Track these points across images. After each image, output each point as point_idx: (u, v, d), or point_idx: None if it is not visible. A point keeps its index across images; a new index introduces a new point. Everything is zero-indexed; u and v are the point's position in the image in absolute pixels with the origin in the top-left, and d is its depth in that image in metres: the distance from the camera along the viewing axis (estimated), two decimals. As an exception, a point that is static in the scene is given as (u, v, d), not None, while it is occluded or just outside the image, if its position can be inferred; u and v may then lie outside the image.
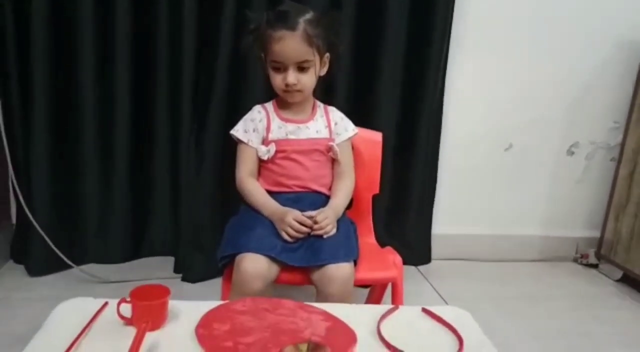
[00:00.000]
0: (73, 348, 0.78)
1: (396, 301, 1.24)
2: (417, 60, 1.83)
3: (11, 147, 1.61)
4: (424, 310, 0.98)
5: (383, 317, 0.94)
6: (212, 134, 1.72)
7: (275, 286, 1.17)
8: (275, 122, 1.29)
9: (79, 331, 0.82)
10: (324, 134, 1.32)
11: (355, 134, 1.37)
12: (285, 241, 1.15)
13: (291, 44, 1.18)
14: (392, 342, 0.85)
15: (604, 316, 1.75)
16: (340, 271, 1.11)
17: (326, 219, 1.16)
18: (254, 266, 1.10)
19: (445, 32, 1.83)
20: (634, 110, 1.92)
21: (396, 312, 0.97)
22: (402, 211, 1.99)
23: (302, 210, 1.19)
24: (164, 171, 1.85)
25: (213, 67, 1.67)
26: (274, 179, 1.28)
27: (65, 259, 1.63)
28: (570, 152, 2.10)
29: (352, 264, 1.15)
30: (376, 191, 1.45)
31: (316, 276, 1.12)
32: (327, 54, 1.28)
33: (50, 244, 1.60)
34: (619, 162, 1.99)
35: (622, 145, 1.98)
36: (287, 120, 1.30)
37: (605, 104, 2.05)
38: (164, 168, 1.84)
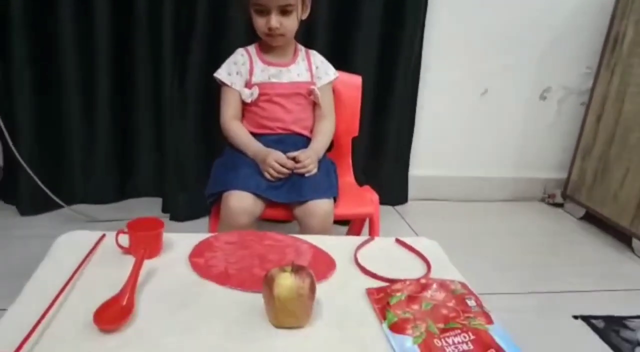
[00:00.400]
0: (76, 276, 0.85)
1: (373, 234, 1.33)
2: (396, 6, 1.85)
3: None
4: (397, 240, 1.08)
5: (360, 246, 1.03)
6: (194, 75, 1.74)
7: (260, 222, 1.25)
8: (258, 65, 1.32)
9: (80, 261, 0.89)
10: (306, 77, 1.36)
11: (336, 78, 1.41)
12: (269, 180, 1.22)
13: None
14: (367, 268, 0.94)
15: (563, 250, 1.90)
16: (320, 206, 1.19)
17: (308, 159, 1.23)
18: (241, 202, 1.17)
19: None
20: (605, 56, 1.99)
21: (372, 243, 1.06)
22: (381, 153, 2.06)
23: (284, 151, 1.25)
24: (148, 113, 1.87)
25: (194, 8, 1.67)
26: (257, 122, 1.33)
27: (55, 198, 1.69)
28: (543, 97, 2.17)
29: (331, 200, 1.23)
30: (355, 133, 1.51)
31: (298, 211, 1.20)
32: None
33: (40, 184, 1.64)
34: (588, 106, 2.08)
35: (592, 90, 2.06)
36: (269, 64, 1.33)
37: (578, 49, 2.11)
38: (148, 110, 1.86)
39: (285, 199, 1.21)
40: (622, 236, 1.95)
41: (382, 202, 1.41)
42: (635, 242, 1.86)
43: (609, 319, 1.44)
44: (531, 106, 2.18)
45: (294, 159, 1.23)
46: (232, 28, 1.71)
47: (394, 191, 2.13)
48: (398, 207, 2.15)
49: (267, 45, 1.33)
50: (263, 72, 1.32)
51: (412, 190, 2.17)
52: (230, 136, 1.33)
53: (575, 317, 1.44)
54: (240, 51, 1.36)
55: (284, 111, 1.32)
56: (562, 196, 2.23)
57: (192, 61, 1.73)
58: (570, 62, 2.13)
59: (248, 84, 1.32)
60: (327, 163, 1.34)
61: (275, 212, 1.23)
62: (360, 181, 1.56)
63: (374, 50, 1.90)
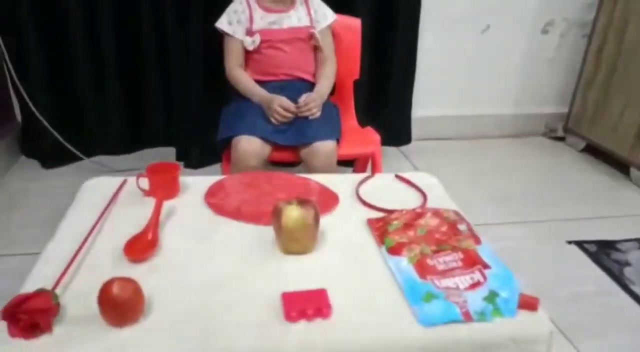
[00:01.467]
0: (104, 216, 0.94)
1: (375, 172, 1.41)
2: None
3: (8, 47, 1.65)
4: (397, 176, 1.15)
5: (361, 182, 1.10)
6: (197, 27, 1.76)
7: (268, 165, 1.33)
8: (257, 12, 1.36)
9: (106, 204, 0.98)
10: (305, 22, 1.39)
11: (335, 21, 1.44)
12: (274, 125, 1.29)
13: None
14: (368, 201, 1.02)
15: (562, 181, 1.97)
16: (324, 147, 1.26)
17: (312, 102, 1.29)
18: (249, 145, 1.25)
19: None
20: (608, -14, 1.97)
21: (373, 179, 1.14)
22: (383, 94, 2.09)
23: (289, 96, 1.31)
24: (154, 66, 1.90)
25: None
26: (261, 69, 1.39)
27: (74, 151, 1.77)
28: (545, 31, 2.17)
29: (334, 141, 1.30)
30: (356, 76, 1.56)
31: (304, 152, 1.28)
32: None
33: (59, 138, 1.73)
34: (590, 38, 2.07)
35: (594, 21, 2.05)
36: (268, 10, 1.36)
37: (581, -20, 2.08)
38: (154, 63, 1.89)
39: (290, 141, 1.28)
40: (621, 166, 2.00)
41: (386, 143, 1.47)
42: (633, 171, 1.92)
43: (601, 243, 1.53)
44: (533, 41, 2.18)
45: (297, 104, 1.29)
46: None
47: (397, 131, 2.17)
48: (402, 148, 2.20)
49: None
50: (263, 19, 1.36)
51: (416, 130, 2.20)
52: (235, 83, 1.39)
53: (569, 242, 1.53)
54: (241, 1, 1.38)
55: (286, 57, 1.37)
56: (563, 129, 2.27)
57: (193, 11, 1.75)
58: (572, -7, 2.11)
59: (249, 32, 1.36)
60: (330, 107, 1.39)
61: (282, 154, 1.31)
62: (364, 123, 1.61)
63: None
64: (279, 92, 1.32)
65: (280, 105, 1.27)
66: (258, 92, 1.33)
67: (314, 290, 0.75)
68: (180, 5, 1.75)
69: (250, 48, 1.36)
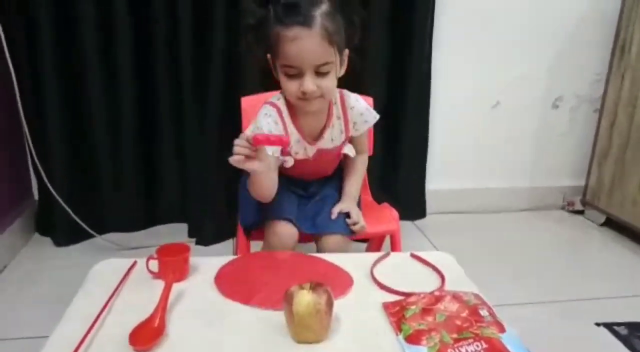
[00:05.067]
0: (111, 301, 0.91)
1: (395, 251, 1.36)
2: (403, 21, 1.89)
3: (29, 126, 1.70)
4: (412, 255, 1.12)
5: (376, 262, 1.07)
6: (213, 97, 1.81)
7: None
8: (294, 135, 1.16)
9: (114, 287, 0.95)
10: (339, 140, 1.22)
11: (376, 120, 1.27)
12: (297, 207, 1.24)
13: (308, 44, 1.00)
14: (384, 283, 0.98)
15: (584, 257, 1.91)
16: (336, 240, 1.22)
17: (355, 216, 1.22)
18: (286, 229, 1.17)
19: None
20: (614, 62, 2.01)
21: (388, 258, 1.10)
22: (397, 169, 2.10)
23: (307, 186, 1.29)
24: (170, 144, 1.95)
25: (211, 37, 1.75)
26: (280, 171, 1.24)
27: (87, 229, 1.78)
28: (555, 106, 2.20)
29: (344, 236, 1.24)
30: (370, 152, 1.56)
31: (318, 243, 1.24)
32: (346, 51, 1.10)
33: (73, 215, 1.74)
34: (601, 113, 2.09)
35: (604, 97, 2.07)
36: (304, 136, 1.19)
37: (587, 57, 2.13)
38: (169, 140, 1.94)
39: (311, 230, 1.23)
40: (644, 241, 1.94)
41: (401, 217, 1.44)
42: (658, 246, 1.85)
43: (632, 325, 1.44)
44: (544, 115, 2.20)
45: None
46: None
47: (412, 206, 2.16)
48: (417, 222, 2.18)
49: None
50: (298, 143, 1.18)
51: (430, 204, 2.19)
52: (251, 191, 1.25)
53: (598, 324, 1.45)
54: (272, 115, 1.13)
55: (310, 169, 1.28)
56: (581, 202, 2.23)
57: (211, 90, 1.81)
58: (580, 70, 2.15)
59: (283, 151, 1.15)
60: None
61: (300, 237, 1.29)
62: (378, 198, 1.60)
63: (383, 67, 1.95)
64: (298, 182, 1.29)
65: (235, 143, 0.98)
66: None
67: (328, 384, 0.70)
68: (199, 84, 1.81)
69: (287, 165, 1.21)
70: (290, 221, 1.20)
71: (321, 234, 1.23)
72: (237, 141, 0.96)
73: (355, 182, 1.30)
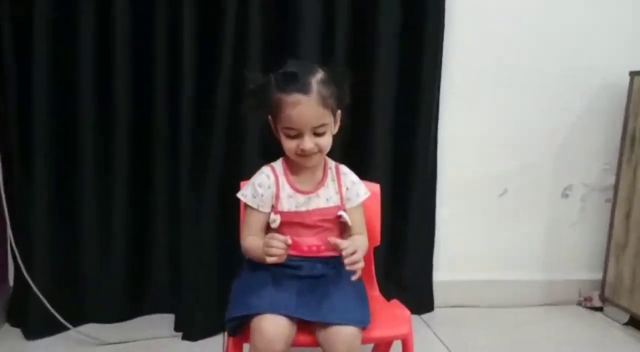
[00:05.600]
0: None
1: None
2: (409, 109, 1.87)
3: (10, 210, 1.60)
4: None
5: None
6: (212, 187, 1.73)
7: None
8: (285, 190, 1.21)
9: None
10: (334, 201, 1.24)
11: (367, 198, 1.30)
12: (297, 297, 1.12)
13: (306, 109, 1.11)
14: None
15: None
16: (345, 333, 1.08)
17: (351, 248, 1.10)
18: (274, 327, 1.05)
19: (434, 82, 1.88)
20: (624, 152, 1.96)
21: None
22: (402, 259, 1.98)
23: (310, 273, 1.19)
24: (163, 227, 1.84)
25: (213, 109, 1.70)
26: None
27: (62, 320, 1.60)
28: (565, 195, 2.12)
29: (358, 328, 1.11)
30: (378, 242, 1.45)
31: (321, 336, 1.10)
32: (339, 112, 1.22)
33: (48, 306, 1.58)
34: (614, 204, 2.01)
35: (616, 186, 2.00)
36: (297, 191, 1.22)
37: (595, 146, 2.09)
38: (163, 225, 1.84)
39: (315, 316, 1.10)
40: (674, 343, 1.77)
41: (408, 311, 1.31)
42: (690, 350, 1.69)
43: None
44: (554, 205, 2.12)
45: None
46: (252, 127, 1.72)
47: (418, 298, 2.01)
48: (424, 316, 2.01)
49: (296, 165, 1.22)
50: (290, 198, 1.21)
51: (438, 296, 2.05)
52: (246, 253, 1.24)
53: None
54: (265, 171, 1.24)
55: (307, 235, 1.21)
56: (600, 299, 2.09)
57: (210, 170, 1.73)
58: (589, 159, 2.10)
59: (274, 209, 1.22)
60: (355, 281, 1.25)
61: (303, 337, 1.13)
62: (383, 290, 1.47)
63: (388, 155, 1.89)
64: (301, 269, 1.19)
65: (269, 238, 1.09)
66: (259, 250, 1.14)
67: None
68: (195, 172, 1.74)
69: (273, 226, 1.21)
70: (283, 315, 1.07)
71: (328, 324, 1.09)
72: (275, 242, 1.08)
73: (359, 240, 1.23)
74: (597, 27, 2.00)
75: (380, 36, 1.80)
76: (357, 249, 1.11)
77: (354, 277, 1.12)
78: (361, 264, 1.12)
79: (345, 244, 1.10)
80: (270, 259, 1.08)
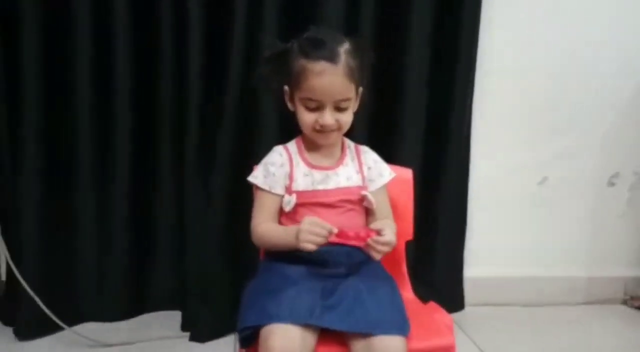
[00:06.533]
0: None
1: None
2: (442, 91, 1.70)
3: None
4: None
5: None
6: (220, 174, 1.58)
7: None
8: (300, 168, 1.11)
9: None
10: (356, 180, 1.14)
11: (392, 179, 1.19)
12: (321, 299, 0.96)
13: (333, 79, 1.02)
14: None
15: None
16: (391, 347, 0.92)
17: (388, 228, 1.00)
18: (285, 340, 0.89)
19: (471, 58, 1.70)
20: (681, 136, 1.76)
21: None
22: (430, 253, 1.81)
23: (334, 263, 1.03)
24: (168, 215, 1.69)
25: (222, 100, 1.55)
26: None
27: (56, 320, 1.45)
28: (611, 183, 1.93)
29: (404, 338, 0.95)
30: (410, 236, 1.28)
31: (359, 347, 0.93)
32: (360, 88, 1.12)
33: (40, 303, 1.42)
34: (668, 193, 1.82)
35: (670, 174, 1.81)
36: (313, 167, 1.12)
37: (647, 129, 1.90)
38: (168, 212, 1.68)
39: (342, 325, 0.93)
40: None
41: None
42: None
43: None
44: (598, 194, 1.93)
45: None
46: (263, 118, 1.57)
47: (448, 296, 1.83)
48: (454, 315, 1.84)
49: (312, 143, 1.13)
50: (307, 176, 1.11)
51: (469, 294, 1.88)
52: (261, 240, 1.09)
53: None
54: (278, 150, 1.15)
55: (330, 221, 1.04)
56: (648, 298, 1.91)
57: (218, 161, 1.57)
58: (638, 144, 1.90)
59: (287, 190, 1.10)
60: (388, 281, 1.08)
61: (326, 349, 0.96)
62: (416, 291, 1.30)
63: (419, 140, 1.72)
64: (321, 262, 1.03)
65: (310, 222, 0.97)
66: (288, 232, 1.02)
67: None
68: (201, 148, 1.58)
69: (286, 209, 1.08)
70: (297, 325, 0.91)
71: (366, 334, 0.93)
72: (317, 229, 0.96)
73: (391, 226, 1.09)
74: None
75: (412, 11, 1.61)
76: (391, 241, 0.99)
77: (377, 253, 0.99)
78: (380, 256, 1.00)
79: (386, 232, 0.99)
80: (307, 247, 0.95)
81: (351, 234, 0.98)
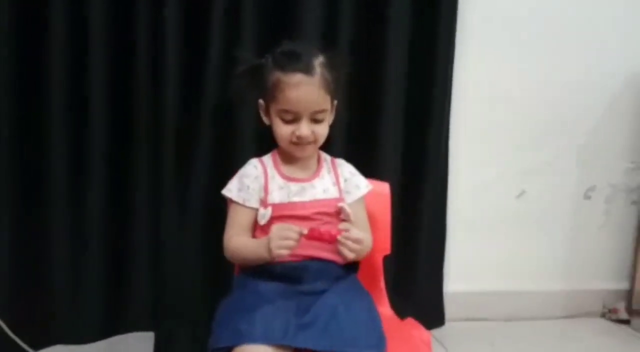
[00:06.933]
0: None
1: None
2: (420, 105, 1.70)
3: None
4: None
5: None
6: (196, 192, 1.55)
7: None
8: (276, 180, 1.11)
9: None
10: (332, 193, 1.13)
11: (369, 191, 1.18)
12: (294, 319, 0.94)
13: (309, 90, 1.03)
14: None
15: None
16: None
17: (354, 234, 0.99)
18: None
19: (447, 76, 1.71)
20: (654, 150, 1.79)
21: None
22: (410, 268, 1.79)
23: (309, 279, 1.02)
24: (143, 233, 1.63)
25: (198, 114, 1.53)
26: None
27: (21, 343, 1.39)
28: (588, 196, 1.95)
29: None
30: (387, 251, 1.27)
31: None
32: (335, 101, 1.13)
33: (4, 326, 1.36)
34: (643, 206, 1.84)
35: (644, 187, 1.83)
36: (289, 179, 1.11)
37: (620, 144, 1.93)
38: (143, 230, 1.63)
39: (317, 344, 0.90)
40: None
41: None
42: None
43: None
44: (575, 207, 1.94)
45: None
46: (240, 132, 1.55)
47: (428, 312, 1.81)
48: (434, 331, 1.82)
49: (288, 156, 1.13)
50: (282, 189, 1.10)
51: (449, 309, 1.87)
52: (233, 254, 1.07)
53: None
54: (252, 162, 1.15)
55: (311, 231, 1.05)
56: (626, 310, 1.92)
57: (194, 176, 1.55)
58: (613, 157, 1.93)
59: (263, 203, 1.09)
60: (364, 296, 1.06)
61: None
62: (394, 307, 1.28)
63: (397, 154, 1.71)
64: (295, 277, 1.01)
65: (278, 228, 0.98)
66: (259, 243, 1.01)
67: None
68: (178, 165, 1.55)
69: (262, 222, 1.07)
70: (268, 344, 0.89)
71: None
72: (288, 233, 0.96)
73: (361, 234, 1.06)
74: (622, 22, 1.85)
75: (390, 21, 1.61)
76: (362, 239, 0.99)
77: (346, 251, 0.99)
78: (352, 256, 1.00)
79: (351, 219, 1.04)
80: (280, 253, 0.95)
81: (322, 230, 0.98)
